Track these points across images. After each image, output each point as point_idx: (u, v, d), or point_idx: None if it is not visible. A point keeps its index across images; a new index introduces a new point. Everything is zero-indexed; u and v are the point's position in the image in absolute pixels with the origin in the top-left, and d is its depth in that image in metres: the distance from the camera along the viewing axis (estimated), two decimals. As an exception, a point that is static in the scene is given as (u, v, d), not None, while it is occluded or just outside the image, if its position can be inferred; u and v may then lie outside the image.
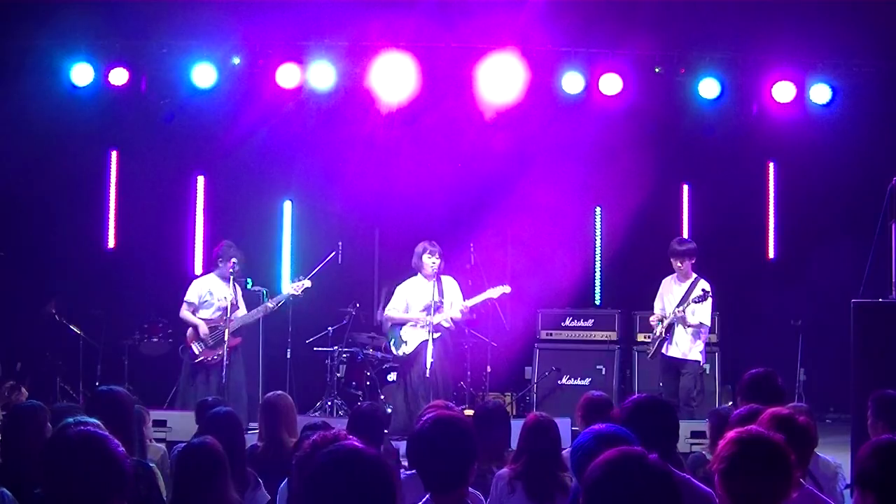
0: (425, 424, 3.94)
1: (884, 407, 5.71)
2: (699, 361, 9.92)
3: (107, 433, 3.39)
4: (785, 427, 4.18)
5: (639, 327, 11.71)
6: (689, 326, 9.82)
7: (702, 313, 9.83)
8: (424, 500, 3.87)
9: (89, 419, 4.57)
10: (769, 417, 4.37)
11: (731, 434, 3.61)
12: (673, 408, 4.89)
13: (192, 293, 10.32)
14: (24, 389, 10.37)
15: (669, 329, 9.96)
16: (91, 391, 10.14)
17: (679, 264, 10.03)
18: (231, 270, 10.14)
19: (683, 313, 9.79)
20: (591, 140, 12.15)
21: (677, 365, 9.94)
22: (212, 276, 10.42)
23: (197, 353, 10.08)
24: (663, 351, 10.02)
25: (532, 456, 5.16)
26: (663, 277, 10.32)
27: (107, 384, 7.83)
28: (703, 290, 9.77)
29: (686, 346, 9.90)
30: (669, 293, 10.16)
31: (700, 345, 9.90)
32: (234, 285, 10.30)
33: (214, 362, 10.04)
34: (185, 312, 10.31)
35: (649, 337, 11.10)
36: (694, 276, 10.06)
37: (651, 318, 10.23)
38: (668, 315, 9.98)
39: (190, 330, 10.21)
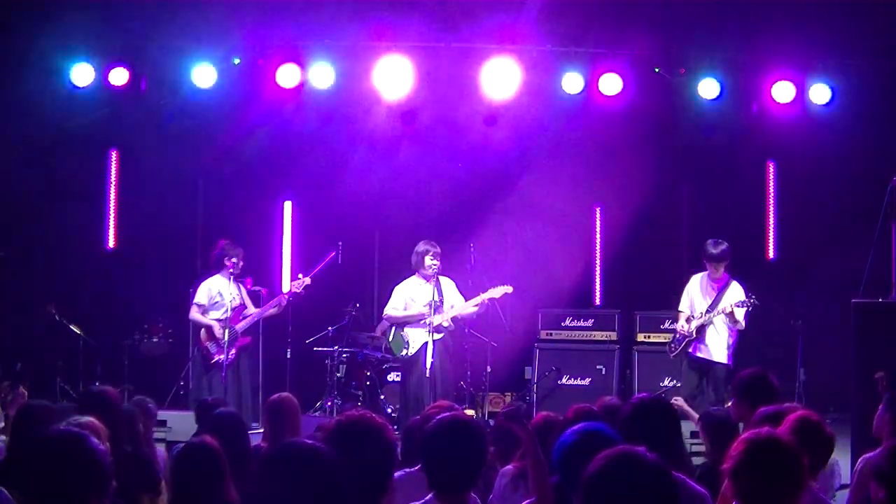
0: (441, 425, 3.95)
1: None
2: (728, 365, 9.87)
3: (86, 432, 3.38)
4: (809, 432, 4.23)
5: (639, 327, 11.70)
6: (735, 325, 9.76)
7: (740, 315, 9.78)
8: (427, 499, 3.86)
9: (85, 418, 4.61)
10: (796, 419, 4.39)
11: (744, 434, 3.66)
12: (673, 408, 4.89)
13: (202, 295, 10.29)
14: (22, 389, 10.35)
15: (700, 330, 9.90)
16: (82, 392, 10.16)
17: (714, 268, 9.94)
18: (231, 270, 10.16)
19: (732, 311, 9.66)
20: (591, 140, 12.15)
21: (705, 366, 9.88)
22: (218, 277, 10.39)
23: (212, 353, 10.10)
24: (690, 351, 9.95)
25: None
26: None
27: (106, 384, 7.88)
28: (752, 299, 9.62)
29: (716, 349, 9.84)
30: (700, 294, 10.04)
31: (728, 347, 9.87)
32: (238, 284, 10.34)
33: (228, 362, 10.05)
34: (195, 314, 10.28)
35: (649, 336, 11.10)
36: (727, 277, 9.96)
37: (680, 317, 10.09)
38: (697, 315, 9.91)
39: (203, 331, 10.19)
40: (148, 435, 6.10)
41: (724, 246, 9.89)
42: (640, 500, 2.90)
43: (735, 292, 9.80)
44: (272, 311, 10.55)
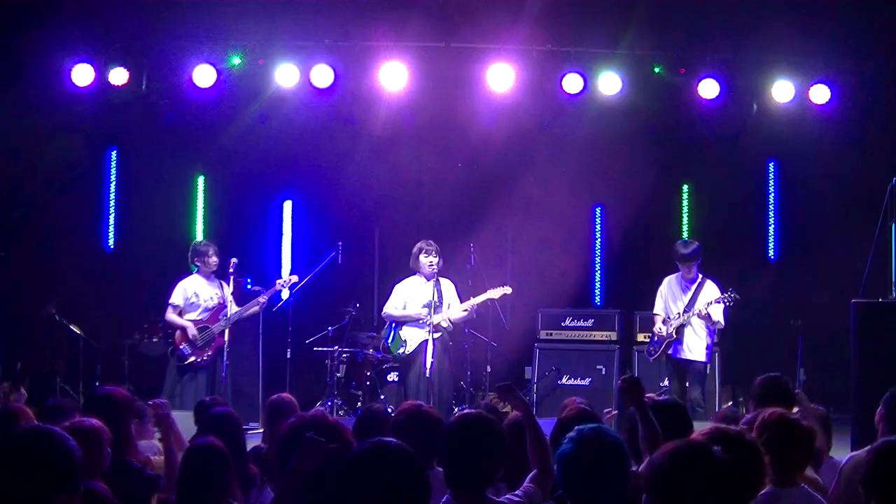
0: (458, 421, 3.97)
1: None
2: (706, 363, 9.93)
3: (57, 428, 3.35)
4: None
5: (639, 327, 11.69)
6: (714, 325, 9.81)
7: (718, 313, 9.82)
8: (444, 499, 3.86)
9: (88, 419, 4.60)
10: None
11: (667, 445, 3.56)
12: (686, 409, 4.91)
13: (177, 295, 10.20)
14: (23, 390, 10.36)
15: (679, 331, 9.92)
16: (89, 392, 10.16)
17: (687, 268, 9.97)
18: (211, 270, 10.16)
19: (707, 312, 9.71)
20: (590, 140, 12.15)
21: (686, 366, 9.93)
22: (195, 277, 10.30)
23: (186, 354, 10.07)
24: (670, 352, 9.98)
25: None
26: (664, 277, 10.29)
27: (107, 384, 7.87)
28: (730, 294, 9.68)
29: (696, 348, 9.88)
30: (674, 295, 10.09)
31: (707, 347, 9.91)
32: (220, 283, 10.28)
33: (204, 363, 10.03)
34: (170, 315, 10.18)
35: (649, 337, 11.11)
36: (699, 276, 10.02)
37: (656, 320, 10.13)
38: (673, 316, 9.94)
39: (178, 332, 10.13)
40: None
41: (694, 245, 9.98)
42: (706, 492, 2.95)
43: (710, 291, 9.86)
44: (253, 309, 10.37)
